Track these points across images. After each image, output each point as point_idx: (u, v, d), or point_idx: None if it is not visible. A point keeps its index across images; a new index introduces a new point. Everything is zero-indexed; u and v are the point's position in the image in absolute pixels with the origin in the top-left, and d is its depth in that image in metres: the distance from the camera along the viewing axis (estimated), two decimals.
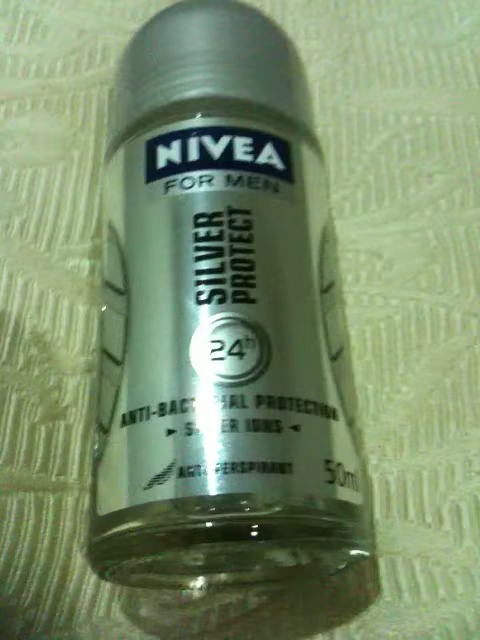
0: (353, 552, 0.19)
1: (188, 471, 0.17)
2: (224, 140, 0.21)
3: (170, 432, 0.18)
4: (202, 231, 0.20)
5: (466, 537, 0.22)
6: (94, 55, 0.32)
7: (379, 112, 0.31)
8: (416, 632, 0.21)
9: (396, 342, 0.25)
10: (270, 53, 0.25)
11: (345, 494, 0.18)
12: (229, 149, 0.21)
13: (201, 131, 0.22)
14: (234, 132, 0.22)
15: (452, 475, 0.23)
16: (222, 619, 0.22)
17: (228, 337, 0.19)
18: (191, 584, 0.22)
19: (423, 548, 0.22)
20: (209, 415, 0.18)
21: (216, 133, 0.21)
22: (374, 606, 0.22)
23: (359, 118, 0.30)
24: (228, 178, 0.21)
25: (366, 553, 0.19)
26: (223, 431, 0.18)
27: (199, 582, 0.21)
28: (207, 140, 0.21)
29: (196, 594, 0.22)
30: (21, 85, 0.30)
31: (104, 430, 0.20)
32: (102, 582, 0.22)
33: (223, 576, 0.22)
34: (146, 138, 0.22)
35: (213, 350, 0.19)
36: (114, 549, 0.18)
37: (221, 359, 0.18)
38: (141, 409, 0.19)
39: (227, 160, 0.21)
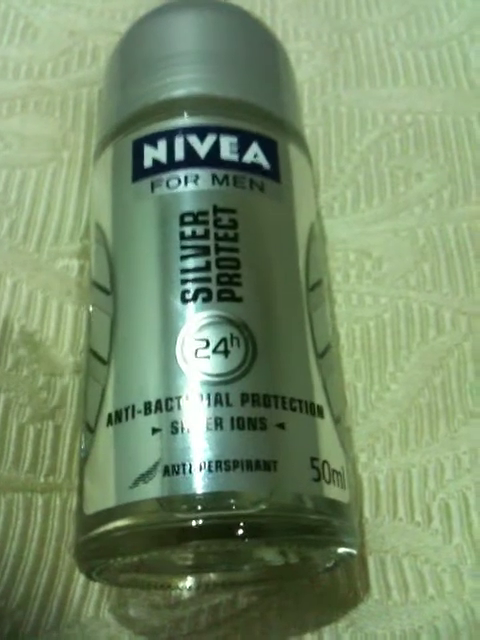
0: (340, 550, 0.19)
1: (173, 469, 0.17)
2: (210, 139, 0.21)
3: (155, 431, 0.18)
4: (188, 230, 0.20)
5: (455, 535, 0.22)
6: (84, 56, 0.32)
7: (368, 112, 0.31)
8: (405, 630, 0.21)
9: (385, 340, 0.25)
10: (257, 53, 0.25)
11: (332, 492, 0.18)
12: (215, 148, 0.21)
13: (187, 130, 0.22)
14: (220, 131, 0.22)
15: (442, 473, 0.23)
16: (212, 619, 0.22)
17: (213, 335, 0.19)
18: (180, 584, 0.21)
19: (412, 546, 0.22)
20: (194, 413, 0.18)
21: (202, 132, 0.21)
22: (363, 605, 0.21)
23: (349, 118, 0.31)
24: (214, 177, 0.21)
25: (354, 551, 0.19)
26: (208, 429, 0.18)
27: (188, 582, 0.21)
28: (193, 139, 0.21)
29: (185, 594, 0.22)
30: (11, 87, 0.30)
31: (90, 429, 0.19)
32: (91, 583, 0.22)
33: (212, 576, 0.22)
34: (133, 137, 0.22)
35: (198, 348, 0.19)
36: (101, 548, 0.18)
37: (206, 357, 0.18)
38: (127, 408, 0.18)
39: (213, 159, 0.21)
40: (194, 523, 0.17)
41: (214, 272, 0.19)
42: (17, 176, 0.28)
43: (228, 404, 0.18)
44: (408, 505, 0.23)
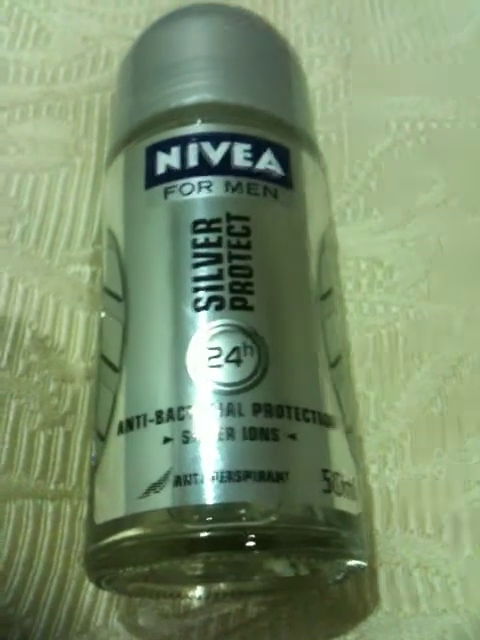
0: (350, 562, 0.19)
1: (184, 479, 0.17)
2: (223, 146, 0.21)
3: (167, 440, 0.18)
4: (201, 237, 0.20)
5: (466, 547, 0.22)
6: (97, 61, 0.32)
7: (381, 119, 0.30)
8: None
9: (397, 350, 0.25)
10: (270, 60, 0.25)
11: (342, 503, 0.18)
12: (228, 155, 0.21)
13: (200, 137, 0.22)
14: (233, 138, 0.21)
15: (453, 484, 0.23)
16: (221, 629, 0.21)
17: (226, 344, 0.19)
18: (190, 593, 0.21)
19: (423, 558, 0.22)
20: (206, 423, 0.18)
21: (215, 139, 0.21)
22: (373, 617, 0.21)
23: (361, 125, 0.30)
24: (227, 184, 0.21)
25: (364, 563, 0.19)
26: (220, 439, 0.18)
27: (198, 591, 0.21)
28: (206, 146, 0.21)
29: (195, 604, 0.22)
30: (24, 91, 0.30)
31: (101, 437, 0.19)
32: (100, 591, 0.21)
33: (222, 586, 0.21)
34: (146, 144, 0.22)
35: (210, 357, 0.18)
36: (110, 558, 0.18)
37: (218, 366, 0.18)
38: (138, 416, 0.18)
39: (226, 166, 0.21)
40: (204, 534, 0.17)
41: (227, 280, 0.19)
42: (30, 181, 0.28)
43: (240, 414, 0.18)
44: (419, 517, 0.23)
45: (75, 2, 0.33)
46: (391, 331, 0.26)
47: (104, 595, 0.22)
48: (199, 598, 0.21)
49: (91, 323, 0.25)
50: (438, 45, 0.33)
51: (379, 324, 0.26)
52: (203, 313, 0.19)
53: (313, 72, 0.32)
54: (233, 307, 0.19)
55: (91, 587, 0.21)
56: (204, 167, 0.21)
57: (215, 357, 0.18)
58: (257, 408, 0.18)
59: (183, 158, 0.21)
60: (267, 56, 0.25)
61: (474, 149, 0.30)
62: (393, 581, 0.22)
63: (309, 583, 0.21)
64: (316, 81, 0.31)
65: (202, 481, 0.17)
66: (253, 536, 0.17)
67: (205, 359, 0.18)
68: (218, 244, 0.20)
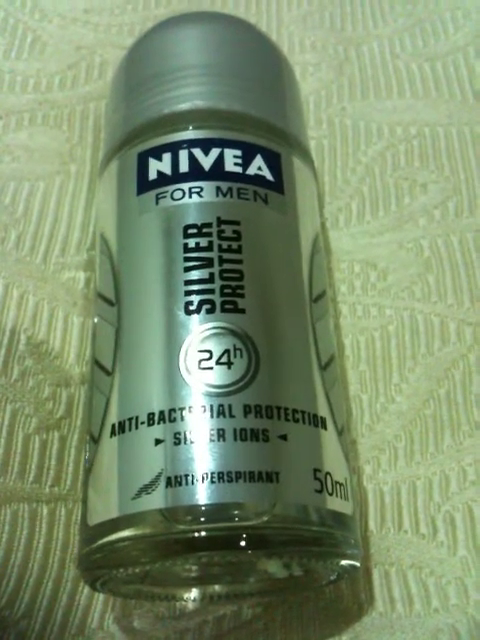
0: (343, 562, 0.19)
1: (176, 481, 0.17)
2: (214, 152, 0.22)
3: (158, 442, 0.18)
4: (192, 242, 0.20)
5: (460, 547, 0.22)
6: (91, 70, 0.32)
7: (374, 123, 0.31)
8: None
9: (390, 352, 0.25)
10: (261, 66, 0.25)
11: (334, 503, 0.18)
12: (219, 161, 0.21)
13: (191, 143, 0.22)
14: (224, 144, 0.22)
15: (447, 485, 0.23)
16: (216, 631, 0.22)
17: (217, 347, 0.19)
18: (185, 596, 0.21)
19: (417, 559, 0.22)
20: (197, 424, 0.18)
21: (206, 145, 0.22)
22: (367, 617, 0.21)
23: (354, 130, 0.31)
24: (218, 189, 0.21)
25: (357, 563, 0.19)
26: (211, 440, 0.18)
27: (193, 594, 0.21)
28: (197, 152, 0.22)
29: (190, 606, 0.22)
30: (19, 100, 0.31)
31: (94, 440, 0.20)
32: (96, 593, 0.22)
33: (217, 588, 0.21)
34: (138, 150, 0.22)
35: (202, 360, 0.19)
36: (104, 559, 0.18)
37: (209, 368, 0.19)
38: (130, 419, 0.19)
39: (217, 171, 0.21)
40: (197, 534, 0.17)
41: (217, 284, 0.20)
42: (25, 188, 0.28)
43: (231, 415, 0.18)
44: (413, 517, 0.23)
45: (69, 12, 0.33)
46: (384, 333, 0.26)
47: (99, 597, 0.22)
48: (194, 600, 0.22)
49: (85, 328, 0.25)
50: (431, 50, 0.33)
51: (372, 326, 0.26)
52: (194, 316, 0.19)
53: (306, 79, 0.32)
54: (224, 310, 0.19)
55: (86, 590, 0.22)
56: (195, 172, 0.21)
57: (206, 359, 0.19)
58: (248, 409, 0.18)
59: (174, 164, 0.22)
60: (258, 62, 0.25)
61: (466, 153, 0.30)
62: (387, 581, 0.22)
63: (303, 584, 0.21)
64: (309, 87, 0.32)
65: (194, 482, 0.17)
66: (246, 536, 0.17)
67: (196, 361, 0.19)
68: (209, 248, 0.20)
